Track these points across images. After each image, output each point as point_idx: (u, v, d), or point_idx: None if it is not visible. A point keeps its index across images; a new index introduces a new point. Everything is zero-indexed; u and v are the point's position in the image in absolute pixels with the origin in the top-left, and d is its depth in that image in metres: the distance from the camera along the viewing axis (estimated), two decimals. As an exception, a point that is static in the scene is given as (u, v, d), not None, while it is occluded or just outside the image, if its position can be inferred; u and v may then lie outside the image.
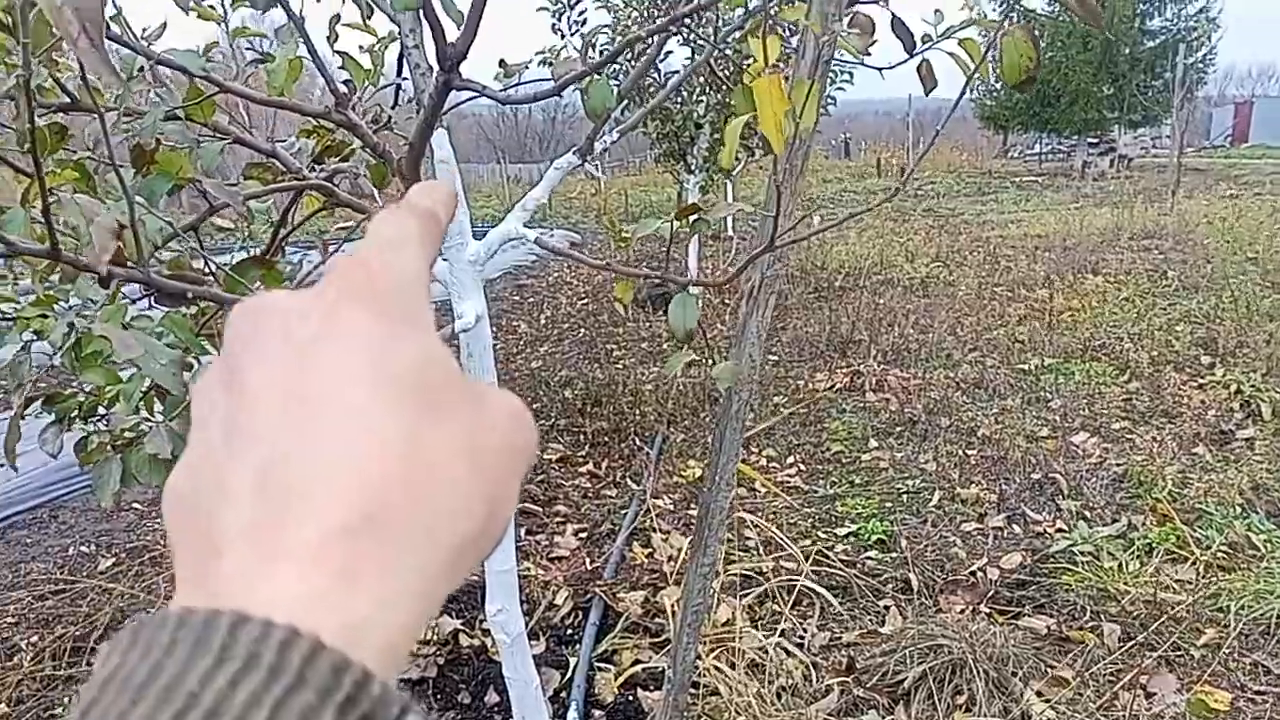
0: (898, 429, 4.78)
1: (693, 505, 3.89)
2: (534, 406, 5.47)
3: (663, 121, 8.11)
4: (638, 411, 5.13)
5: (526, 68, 2.54)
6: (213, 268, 1.90)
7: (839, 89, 8.84)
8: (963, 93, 1.75)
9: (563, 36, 7.81)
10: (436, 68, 1.78)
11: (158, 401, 1.79)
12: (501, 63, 2.34)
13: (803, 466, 4.40)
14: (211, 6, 1.90)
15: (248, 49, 2.13)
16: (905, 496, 3.94)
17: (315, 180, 2.18)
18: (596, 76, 1.90)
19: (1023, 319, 6.84)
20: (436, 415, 0.26)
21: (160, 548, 3.21)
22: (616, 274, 1.92)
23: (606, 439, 4.87)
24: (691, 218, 1.81)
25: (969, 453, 4.34)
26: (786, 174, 1.99)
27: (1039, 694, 2.50)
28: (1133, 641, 2.70)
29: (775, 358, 6.43)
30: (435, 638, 2.84)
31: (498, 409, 0.29)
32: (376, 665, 0.22)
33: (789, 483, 4.20)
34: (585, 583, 3.24)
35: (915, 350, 6.22)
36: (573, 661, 2.80)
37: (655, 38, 2.08)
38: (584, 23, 7.85)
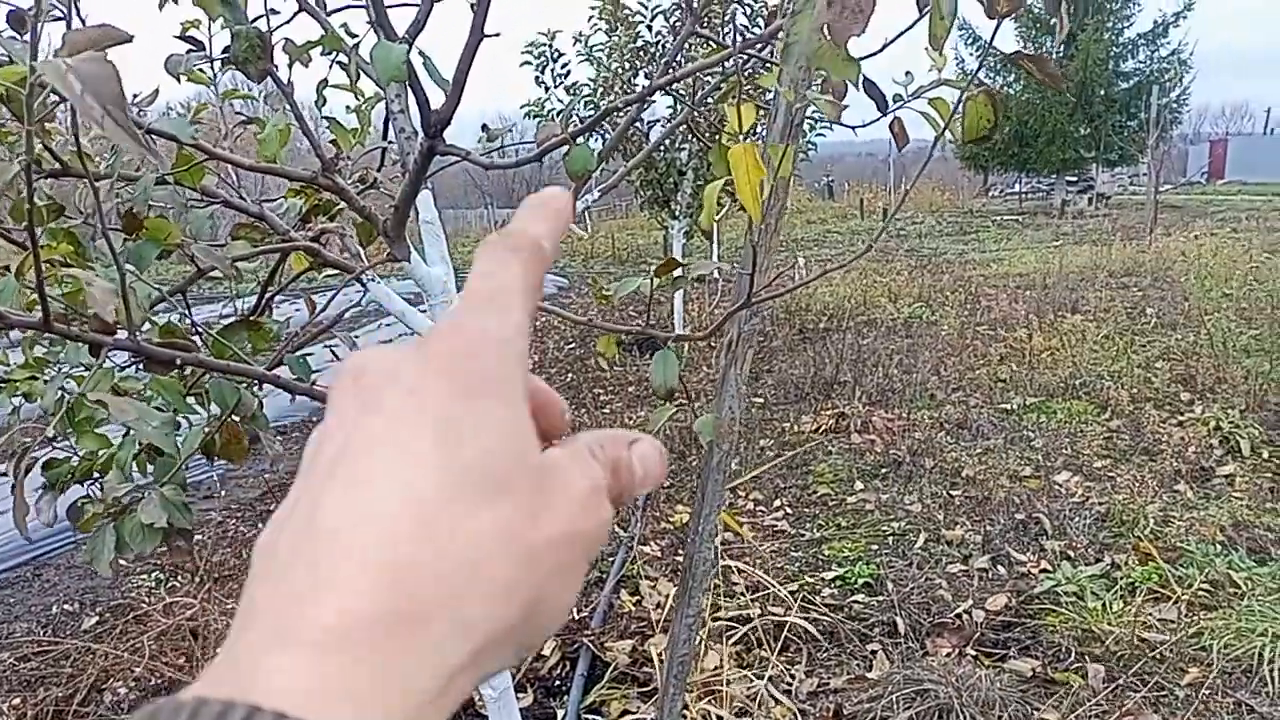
0: (883, 470, 4.82)
1: (680, 551, 3.91)
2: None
3: (646, 169, 8.22)
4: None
5: (510, 131, 2.61)
6: (200, 329, 1.94)
7: (819, 135, 9.01)
8: (933, 147, 1.82)
9: (546, 89, 7.95)
10: (421, 134, 1.84)
11: (149, 463, 1.82)
12: (484, 128, 2.41)
13: (789, 510, 4.42)
14: (201, 70, 1.95)
15: (237, 113, 2.19)
16: (891, 538, 3.96)
17: (302, 242, 2.23)
18: (577, 142, 1.97)
19: (1004, 358, 6.92)
20: (493, 503, 0.26)
21: (145, 605, 3.21)
22: (599, 329, 1.97)
23: (594, 486, 4.88)
24: (673, 274, 1.86)
25: (953, 493, 4.38)
26: (762, 233, 2.05)
27: (1025, 737, 2.51)
28: (1117, 682, 2.72)
29: (761, 400, 6.48)
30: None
31: (565, 492, 0.28)
32: None
33: (776, 527, 4.22)
34: (573, 632, 3.24)
35: (900, 390, 6.28)
36: (560, 714, 2.80)
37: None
38: (567, 74, 7.99)
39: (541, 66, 7.92)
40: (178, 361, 1.57)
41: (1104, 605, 3.13)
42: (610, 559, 3.92)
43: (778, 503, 4.52)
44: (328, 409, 0.30)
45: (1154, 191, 16.58)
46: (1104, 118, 24.00)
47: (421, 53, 1.62)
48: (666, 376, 1.95)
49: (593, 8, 8.31)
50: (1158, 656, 2.82)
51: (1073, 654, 2.89)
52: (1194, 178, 33.05)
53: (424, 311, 2.24)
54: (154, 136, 1.75)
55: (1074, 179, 25.04)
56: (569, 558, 0.27)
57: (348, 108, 2.59)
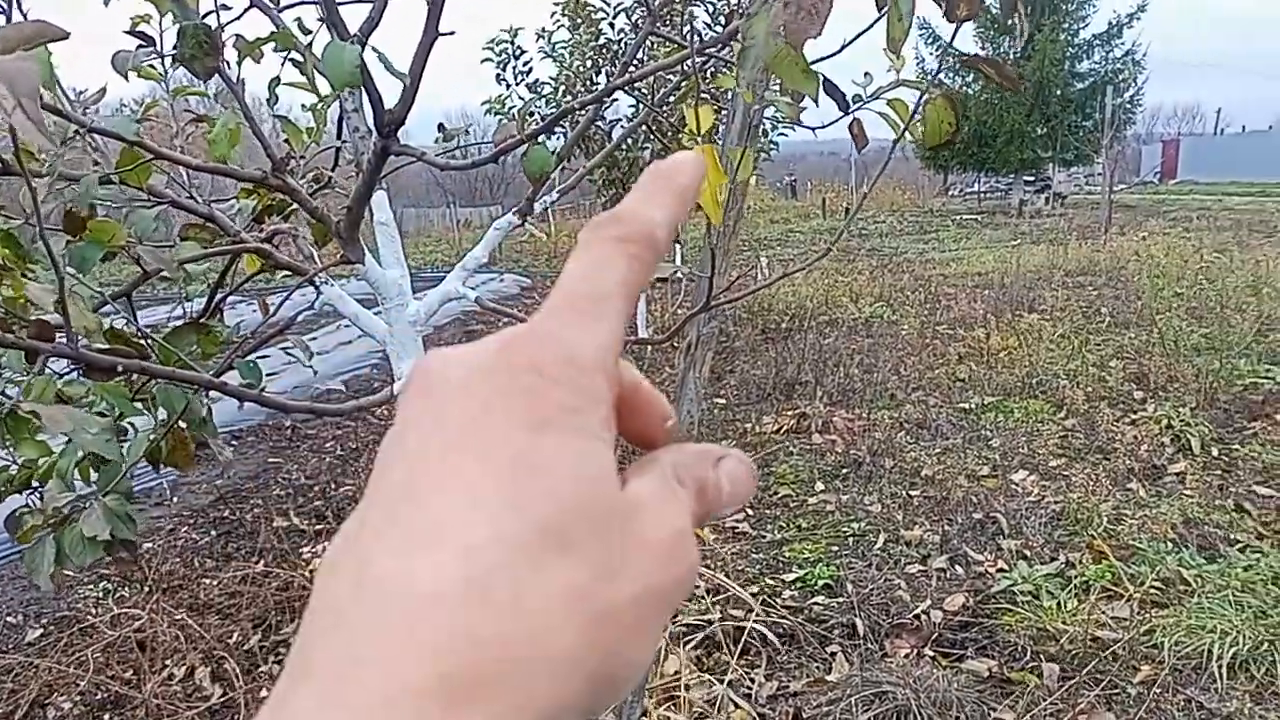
0: (843, 471, 4.84)
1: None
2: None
3: (609, 169, 8.20)
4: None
5: (467, 132, 2.57)
6: (146, 334, 1.88)
7: (781, 134, 9.05)
8: (892, 149, 1.82)
9: (508, 86, 7.89)
10: (375, 133, 1.80)
11: (94, 471, 1.76)
12: (440, 127, 2.38)
13: (750, 511, 4.43)
14: (152, 66, 1.90)
15: (185, 111, 2.13)
16: (851, 539, 3.98)
17: (252, 244, 2.18)
18: (535, 143, 1.94)
19: (963, 358, 6.99)
20: (562, 560, 0.23)
21: (91, 617, 3.12)
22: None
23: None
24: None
25: (912, 494, 4.41)
26: (720, 236, 2.04)
27: (982, 737, 2.53)
28: (1071, 681, 2.76)
29: (723, 401, 6.48)
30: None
31: (648, 540, 0.25)
32: None
33: (737, 528, 4.22)
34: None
35: (860, 391, 6.32)
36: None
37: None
38: (529, 72, 7.94)
39: (503, 64, 7.86)
40: (119, 368, 1.53)
41: (1059, 604, 3.16)
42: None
43: (739, 503, 4.52)
44: (400, 409, 0.27)
45: (1109, 191, 16.88)
46: (1060, 118, 24.40)
47: (376, 50, 1.58)
48: (623, 382, 1.92)
49: (555, 4, 8.26)
50: (1111, 655, 2.86)
51: (1028, 653, 2.92)
52: (1147, 177, 33.72)
53: (379, 314, 2.21)
54: (101, 136, 1.70)
55: (1031, 179, 25.44)
56: (650, 614, 0.25)
57: (303, 106, 2.54)
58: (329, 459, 5.65)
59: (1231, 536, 3.65)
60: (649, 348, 8.31)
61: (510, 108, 8.02)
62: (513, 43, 7.89)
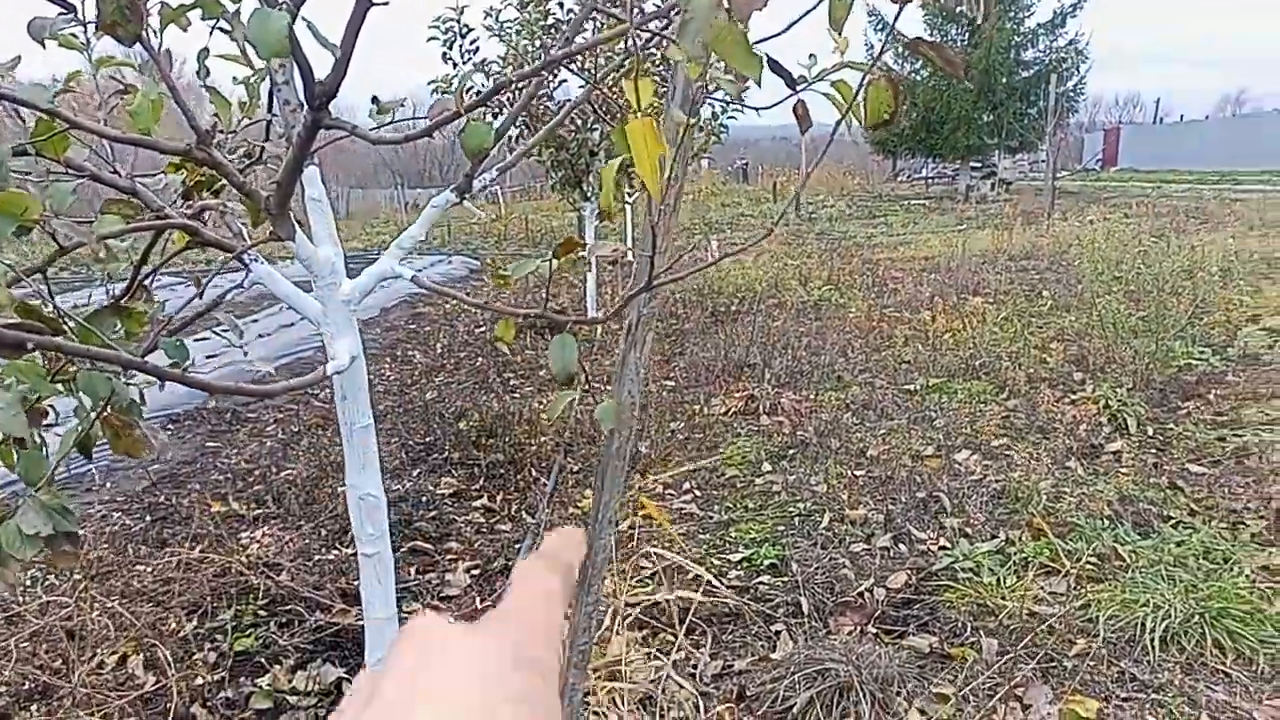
0: (790, 452, 4.87)
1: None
2: (426, 440, 5.37)
3: (557, 149, 8.12)
4: (534, 442, 5.09)
5: (402, 105, 2.51)
6: (63, 314, 1.81)
7: (731, 118, 9.04)
8: (834, 131, 1.81)
9: (454, 65, 7.77)
10: (305, 106, 1.74)
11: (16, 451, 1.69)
12: (374, 100, 2.31)
13: (698, 492, 4.43)
14: (74, 35, 1.82)
15: (111, 80, 2.05)
16: (797, 519, 4.00)
17: (177, 219, 2.11)
18: (473, 118, 1.89)
19: (909, 340, 7.07)
20: None
21: (18, 605, 3.01)
22: (496, 312, 1.92)
23: (502, 471, 4.82)
24: (574, 255, 1.81)
25: (858, 474, 4.45)
26: (661, 213, 2.02)
27: (922, 712, 2.56)
28: (1009, 655, 2.80)
29: (671, 383, 6.48)
30: (316, 688, 2.74)
31: None
32: None
33: (685, 510, 4.22)
34: (477, 621, 3.18)
35: (808, 373, 6.36)
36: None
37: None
38: (476, 51, 7.82)
39: (449, 42, 7.74)
40: (29, 345, 1.46)
41: (998, 580, 3.22)
42: (517, 545, 3.87)
43: (687, 485, 4.53)
44: (388, 664, 0.33)
45: (1052, 177, 17.20)
46: (1006, 105, 24.77)
47: (306, 21, 1.53)
48: (565, 361, 1.89)
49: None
50: (1048, 629, 2.91)
51: (968, 629, 2.96)
52: (1089, 164, 34.42)
53: (312, 294, 2.15)
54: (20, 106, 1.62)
55: (978, 165, 25.82)
56: None
57: (234, 79, 2.46)
58: (270, 443, 5.53)
59: (1165, 513, 3.73)
60: (597, 330, 8.28)
61: (458, 87, 7.92)
62: (459, 21, 7.77)
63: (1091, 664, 2.73)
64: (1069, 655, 2.78)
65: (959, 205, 21.40)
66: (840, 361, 6.66)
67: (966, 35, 25.45)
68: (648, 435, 5.28)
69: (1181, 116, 37.63)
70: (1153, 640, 2.77)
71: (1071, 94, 24.90)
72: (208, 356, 7.97)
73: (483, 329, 9.03)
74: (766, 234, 2.11)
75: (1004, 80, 24.79)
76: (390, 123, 2.46)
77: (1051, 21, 25.00)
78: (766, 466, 4.68)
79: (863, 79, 1.79)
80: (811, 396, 5.79)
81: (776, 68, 2.16)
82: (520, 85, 1.96)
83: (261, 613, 3.28)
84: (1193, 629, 2.79)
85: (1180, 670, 2.68)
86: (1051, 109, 17.91)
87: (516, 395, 6.34)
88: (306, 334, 8.81)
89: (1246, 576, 3.09)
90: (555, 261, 1.97)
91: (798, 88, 2.13)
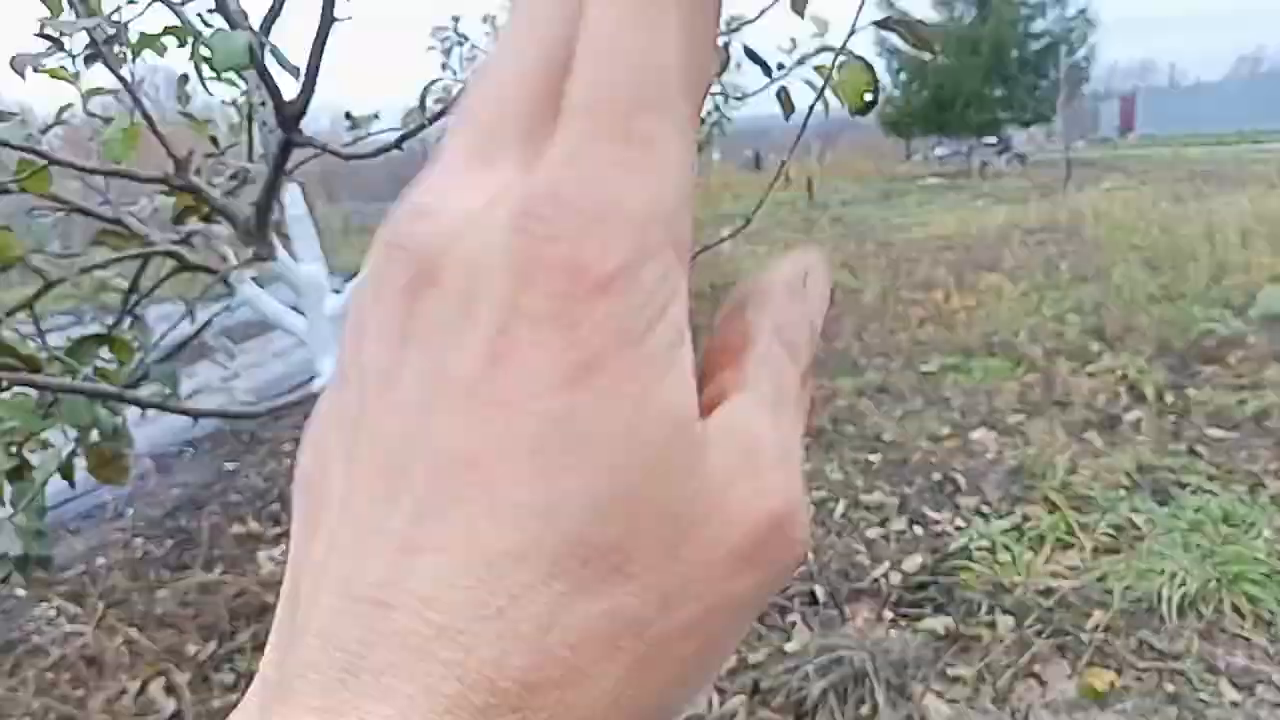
0: (805, 440, 4.84)
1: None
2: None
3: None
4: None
5: (376, 118, 2.53)
6: (48, 348, 1.84)
7: (734, 108, 9.00)
8: (808, 115, 1.80)
9: (455, 74, 7.81)
10: (276, 126, 1.76)
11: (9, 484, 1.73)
12: (348, 115, 2.33)
13: (714, 486, 4.43)
14: (63, 66, 1.86)
15: (91, 114, 2.08)
16: (812, 508, 3.99)
17: (160, 246, 2.13)
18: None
19: (924, 320, 7.02)
20: (607, 577, 0.17)
21: (38, 637, 3.07)
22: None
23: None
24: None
25: (873, 458, 4.42)
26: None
27: (938, 695, 2.54)
28: (1026, 631, 2.78)
29: (687, 378, 6.48)
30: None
31: (732, 524, 0.19)
32: None
33: (700, 504, 4.22)
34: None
35: (823, 360, 6.33)
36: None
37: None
38: (475, 59, 7.86)
39: (448, 50, 7.79)
40: (3, 384, 1.49)
41: (1014, 557, 3.18)
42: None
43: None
44: (359, 331, 0.19)
45: (1066, 149, 16.98)
46: (1017, 79, 24.52)
47: (268, 43, 1.55)
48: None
49: (498, -15, 8.20)
50: (1064, 603, 2.88)
51: (984, 608, 2.94)
52: (1107, 134, 33.97)
53: (301, 314, 2.17)
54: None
55: (993, 140, 25.56)
56: (728, 625, 0.19)
57: (223, 101, 2.49)
58: (287, 461, 5.59)
59: (1183, 480, 3.68)
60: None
61: (421, 95, 7.97)
62: (455, 30, 7.82)
63: (1108, 636, 2.70)
64: (1086, 628, 2.75)
65: (974, 182, 21.20)
66: (855, 346, 6.62)
67: (975, 9, 25.23)
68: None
69: (1198, 80, 37.02)
70: (1170, 609, 2.73)
71: (1083, 63, 24.60)
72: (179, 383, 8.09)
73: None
74: (742, 227, 2.11)
75: (1014, 54, 24.52)
76: (370, 135, 2.48)
77: (1059, -9, 24.73)
78: (782, 456, 4.66)
79: (834, 61, 1.78)
80: (827, 383, 5.76)
81: (753, 56, 2.14)
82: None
83: (282, 629, 3.32)
84: (1210, 595, 2.75)
85: (1199, 637, 2.64)
86: (1063, 80, 17.70)
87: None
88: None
89: (1265, 539, 3.05)
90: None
91: (779, 74, 2.12)
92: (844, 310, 7.84)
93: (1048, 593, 2.95)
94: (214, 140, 2.31)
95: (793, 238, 12.34)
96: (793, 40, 2.67)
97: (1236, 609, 2.71)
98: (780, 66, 1.94)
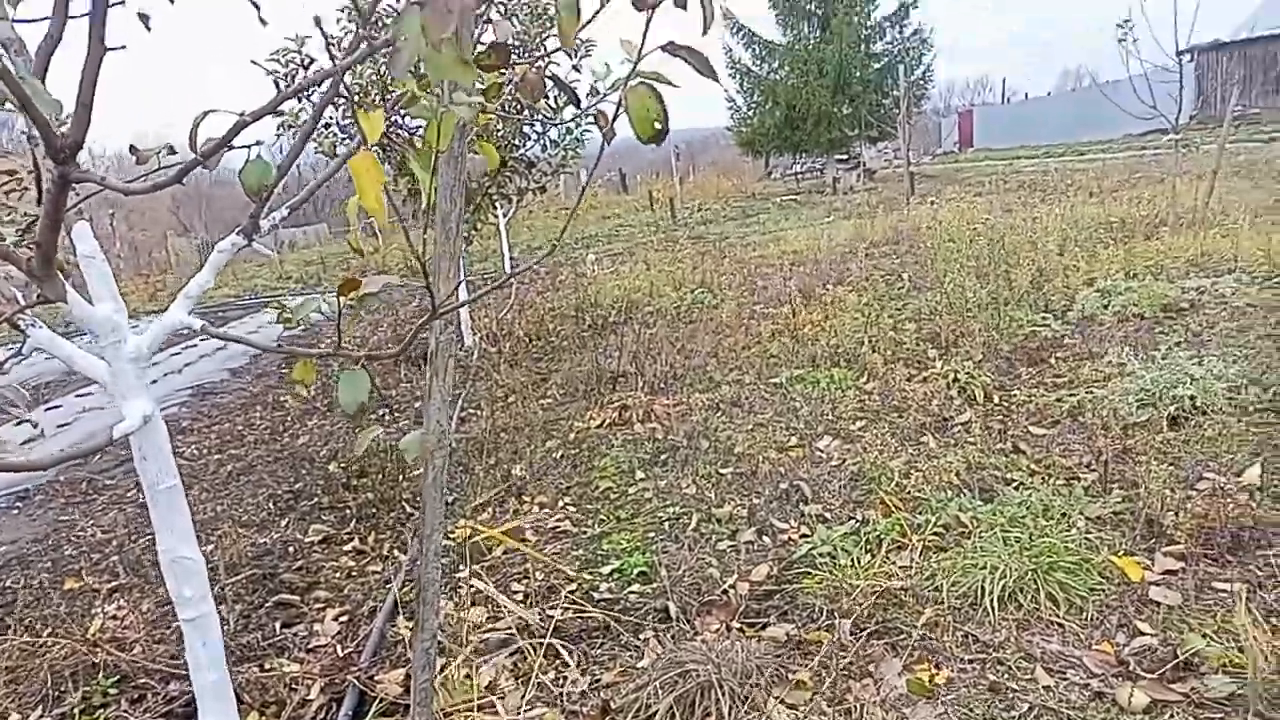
0: (662, 457, 4.91)
1: (462, 565, 3.83)
2: (295, 487, 5.22)
3: (412, 177, 8.02)
4: (405, 477, 5.00)
5: (173, 151, 2.44)
6: None
7: (586, 131, 9.08)
8: (603, 148, 1.83)
9: (299, 100, 7.59)
10: (50, 161, 1.67)
11: None
12: (132, 149, 2.24)
13: (574, 509, 4.43)
14: None
15: None
16: (667, 524, 4.04)
17: (-64, 293, 2.01)
18: (250, 158, 1.85)
19: (775, 334, 7.24)
20: None
21: None
22: (289, 355, 1.88)
23: (374, 510, 4.72)
24: (359, 292, 1.80)
25: (724, 471, 4.52)
26: (444, 239, 2.01)
27: (781, 701, 2.61)
28: (863, 633, 2.89)
29: (547, 402, 6.47)
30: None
31: None
32: None
33: (558, 529, 4.21)
34: (341, 670, 3.10)
35: (681, 376, 6.44)
36: (324, 757, 2.66)
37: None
38: (321, 83, 7.65)
39: (291, 75, 7.56)
40: None
41: (853, 561, 3.31)
42: (388, 585, 3.79)
43: (562, 503, 4.52)
44: None
45: (908, 163, 17.88)
46: (862, 97, 25.71)
47: (26, 77, 1.47)
48: (355, 394, 1.88)
49: (340, 9, 8.05)
50: (898, 602, 3.02)
51: (824, 613, 3.04)
52: (948, 148, 35.93)
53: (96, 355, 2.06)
54: None
55: (844, 157, 26.68)
56: None
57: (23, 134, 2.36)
58: (129, 509, 5.28)
59: (1008, 476, 3.92)
60: (473, 358, 8.20)
61: (304, 122, 7.73)
62: (301, 51, 7.59)
63: (937, 632, 2.85)
64: (917, 625, 2.89)
65: (827, 198, 22.06)
66: (711, 362, 6.76)
67: (819, 32, 26.32)
68: (523, 457, 5.25)
69: (1026, 95, 39.65)
70: (992, 601, 2.90)
71: (921, 81, 26.00)
72: (60, 426, 7.56)
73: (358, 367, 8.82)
74: (547, 254, 2.13)
75: (858, 73, 25.72)
76: (155, 170, 2.38)
77: (896, 14, 26.08)
78: (640, 474, 4.72)
79: (624, 85, 1.82)
80: (683, 399, 5.86)
81: (560, 85, 2.17)
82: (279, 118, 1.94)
83: (112, 690, 3.12)
84: (1027, 585, 2.93)
85: (1016, 627, 2.81)
86: (903, 97, 18.64)
87: (392, 430, 6.21)
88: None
89: (1078, 529, 3.28)
90: (343, 299, 1.95)
91: (584, 104, 2.15)
92: (701, 328, 8.01)
93: (884, 594, 3.08)
94: (10, 174, 2.18)
95: (655, 257, 12.52)
96: (606, 65, 2.73)
97: (1051, 597, 2.91)
98: (595, 91, 1.98)
